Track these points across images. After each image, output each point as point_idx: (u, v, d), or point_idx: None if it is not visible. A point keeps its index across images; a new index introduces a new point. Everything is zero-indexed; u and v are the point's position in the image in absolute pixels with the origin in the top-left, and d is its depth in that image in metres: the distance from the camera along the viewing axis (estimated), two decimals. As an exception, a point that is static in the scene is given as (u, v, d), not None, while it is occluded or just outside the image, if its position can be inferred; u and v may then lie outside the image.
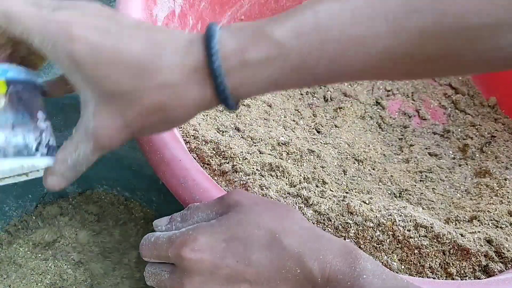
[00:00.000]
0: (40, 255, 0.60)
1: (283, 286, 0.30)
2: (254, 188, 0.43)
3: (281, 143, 0.52)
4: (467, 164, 0.62)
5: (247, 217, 0.32)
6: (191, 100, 0.28)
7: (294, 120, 0.61)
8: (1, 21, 0.28)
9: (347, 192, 0.50)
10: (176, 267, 0.32)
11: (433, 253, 0.41)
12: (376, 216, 0.42)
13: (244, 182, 0.44)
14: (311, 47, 0.27)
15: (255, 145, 0.50)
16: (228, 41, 0.28)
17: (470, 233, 0.44)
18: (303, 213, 0.43)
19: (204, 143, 0.47)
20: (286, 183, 0.46)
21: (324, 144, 0.58)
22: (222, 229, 0.31)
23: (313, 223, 0.42)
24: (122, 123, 0.29)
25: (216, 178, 0.46)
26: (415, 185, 0.55)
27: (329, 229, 0.42)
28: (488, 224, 0.47)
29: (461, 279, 0.41)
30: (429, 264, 0.41)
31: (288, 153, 0.51)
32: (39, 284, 0.58)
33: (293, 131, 0.58)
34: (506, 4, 0.25)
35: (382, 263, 0.41)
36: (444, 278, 0.41)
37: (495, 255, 0.42)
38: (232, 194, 0.34)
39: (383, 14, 0.26)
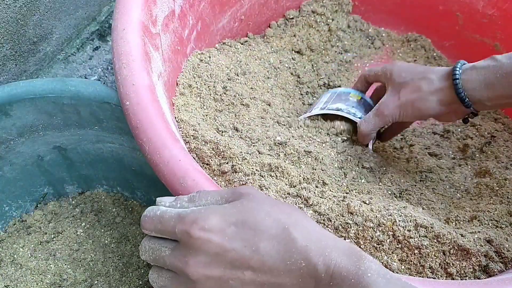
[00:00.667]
0: (40, 255, 0.60)
1: (286, 277, 0.30)
2: (254, 188, 0.43)
3: (278, 143, 0.52)
4: (467, 164, 0.62)
5: (259, 206, 0.32)
6: None
7: (293, 120, 0.61)
8: None
9: (347, 193, 0.49)
10: (180, 244, 0.31)
11: (433, 253, 0.41)
12: (376, 216, 0.42)
13: (244, 182, 0.44)
14: None
15: (254, 145, 0.50)
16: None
17: (470, 233, 0.44)
18: (303, 213, 0.43)
19: (203, 143, 0.47)
20: (286, 184, 0.46)
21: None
22: (234, 212, 0.31)
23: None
24: None
25: (215, 178, 0.46)
26: (415, 185, 0.55)
27: (329, 229, 0.42)
28: (488, 224, 0.47)
29: (461, 279, 0.41)
30: (429, 264, 0.41)
31: (285, 154, 0.51)
32: (39, 284, 0.58)
33: (290, 131, 0.58)
34: None
35: (382, 263, 0.41)
36: (444, 278, 0.41)
37: (495, 255, 0.42)
38: (244, 187, 0.34)
39: None
